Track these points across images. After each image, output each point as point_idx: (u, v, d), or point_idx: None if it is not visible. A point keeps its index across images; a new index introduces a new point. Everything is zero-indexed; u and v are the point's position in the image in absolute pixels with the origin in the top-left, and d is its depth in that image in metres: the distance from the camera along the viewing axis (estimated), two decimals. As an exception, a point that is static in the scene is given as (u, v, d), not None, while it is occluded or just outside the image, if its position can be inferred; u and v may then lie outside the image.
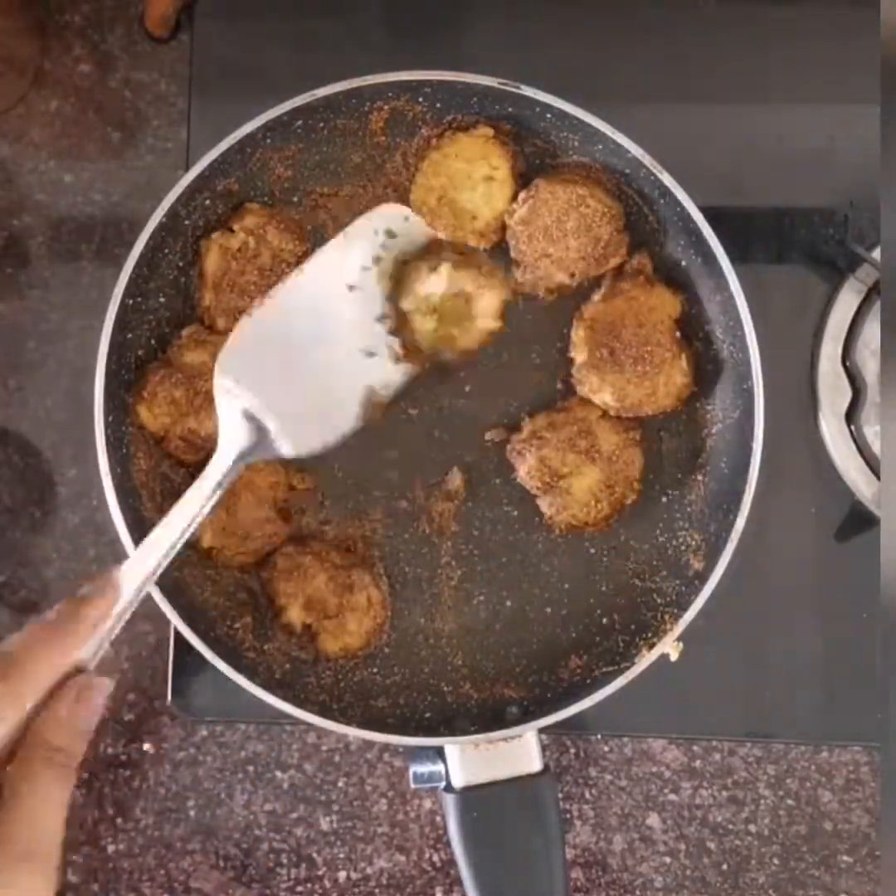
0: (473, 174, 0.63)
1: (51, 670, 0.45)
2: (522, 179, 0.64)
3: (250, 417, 0.59)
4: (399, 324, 0.62)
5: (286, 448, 0.59)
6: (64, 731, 0.44)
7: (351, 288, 0.61)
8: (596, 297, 0.63)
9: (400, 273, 0.62)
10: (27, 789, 0.42)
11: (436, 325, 0.63)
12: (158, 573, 0.53)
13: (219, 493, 0.56)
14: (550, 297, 0.65)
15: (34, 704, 0.44)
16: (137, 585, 0.51)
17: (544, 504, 0.64)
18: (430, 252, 0.63)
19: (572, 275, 0.63)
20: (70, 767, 0.44)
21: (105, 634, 0.48)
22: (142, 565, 0.52)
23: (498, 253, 0.64)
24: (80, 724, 0.44)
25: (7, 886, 0.40)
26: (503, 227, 0.64)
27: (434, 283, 0.62)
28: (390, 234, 0.62)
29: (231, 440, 0.58)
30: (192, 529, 0.54)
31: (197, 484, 0.56)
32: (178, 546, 0.54)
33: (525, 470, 0.64)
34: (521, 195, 0.63)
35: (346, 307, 0.61)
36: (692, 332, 0.64)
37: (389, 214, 0.63)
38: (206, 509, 0.55)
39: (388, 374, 0.62)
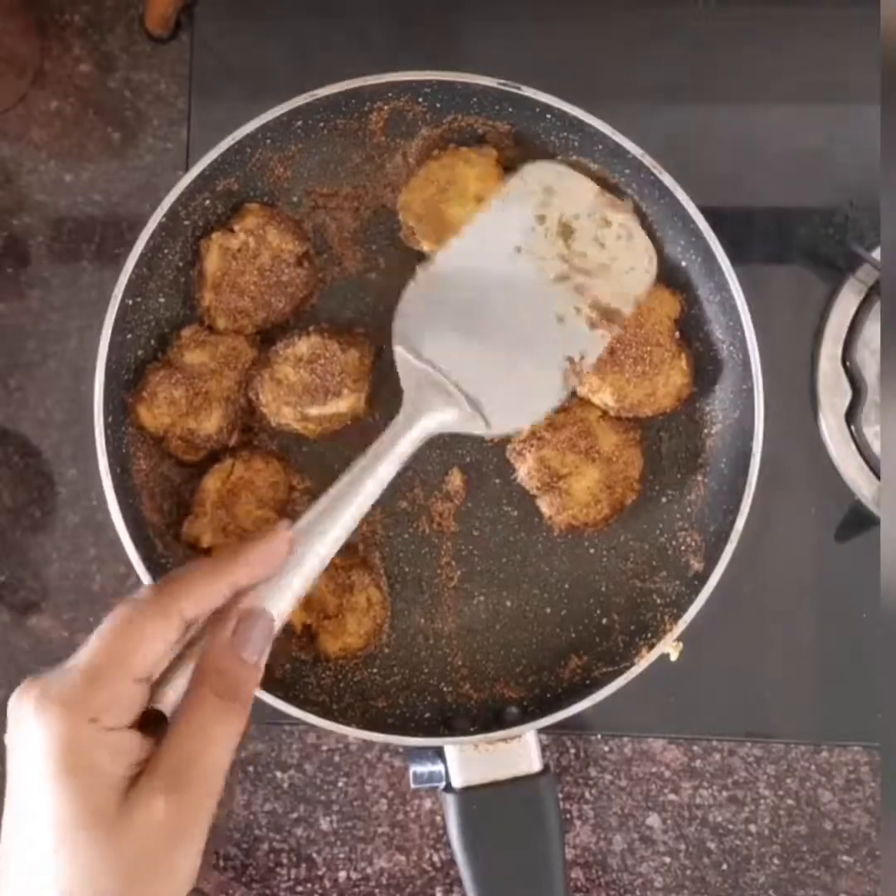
0: (466, 191, 0.63)
1: (207, 589, 0.45)
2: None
3: (432, 386, 0.56)
4: (581, 283, 0.58)
5: (483, 424, 0.57)
6: (225, 655, 0.44)
7: (518, 250, 0.58)
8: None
9: (569, 232, 0.59)
10: (186, 717, 0.43)
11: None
12: (342, 536, 0.51)
13: (402, 462, 0.54)
14: None
15: (191, 618, 0.45)
16: (317, 544, 0.50)
17: (544, 504, 0.64)
18: (597, 207, 0.59)
19: None
20: (234, 700, 0.43)
21: (285, 585, 0.48)
22: (320, 525, 0.50)
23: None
24: (241, 651, 0.45)
25: (144, 820, 0.41)
26: None
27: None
28: (549, 192, 0.59)
29: (414, 409, 0.55)
30: (373, 499, 0.52)
31: (378, 448, 0.54)
32: (359, 516, 0.52)
33: (525, 470, 0.64)
34: None
35: (518, 270, 0.58)
36: (692, 332, 0.64)
37: (540, 171, 0.61)
38: (390, 477, 0.53)
39: (586, 340, 0.58)
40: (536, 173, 0.61)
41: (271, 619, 0.47)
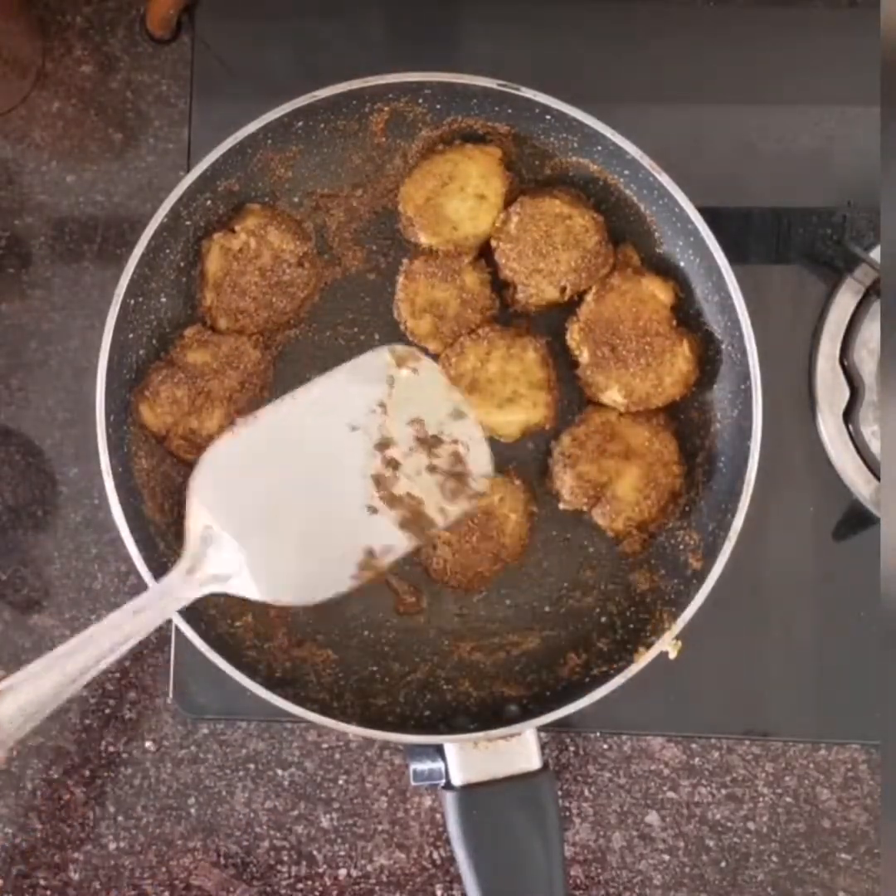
0: (467, 187, 0.63)
1: None
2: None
3: (217, 548, 0.54)
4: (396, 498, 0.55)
5: (253, 590, 0.54)
6: None
7: (353, 428, 0.55)
8: (589, 297, 0.63)
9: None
10: None
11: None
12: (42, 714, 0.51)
13: (149, 628, 0.53)
14: (539, 315, 0.65)
15: None
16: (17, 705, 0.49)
17: (597, 517, 0.63)
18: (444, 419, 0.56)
19: (563, 289, 0.63)
20: None
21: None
22: (26, 688, 0.50)
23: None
24: None
25: None
26: (479, 251, 0.64)
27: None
28: (391, 383, 0.56)
29: (191, 565, 0.53)
30: (94, 673, 0.52)
31: (125, 611, 0.53)
32: (86, 676, 0.51)
33: (567, 491, 0.63)
34: (509, 210, 0.63)
35: (347, 450, 0.55)
36: (690, 328, 0.64)
37: (397, 356, 0.58)
38: (125, 648, 0.52)
39: (392, 538, 0.55)
40: (382, 358, 0.57)
41: None
